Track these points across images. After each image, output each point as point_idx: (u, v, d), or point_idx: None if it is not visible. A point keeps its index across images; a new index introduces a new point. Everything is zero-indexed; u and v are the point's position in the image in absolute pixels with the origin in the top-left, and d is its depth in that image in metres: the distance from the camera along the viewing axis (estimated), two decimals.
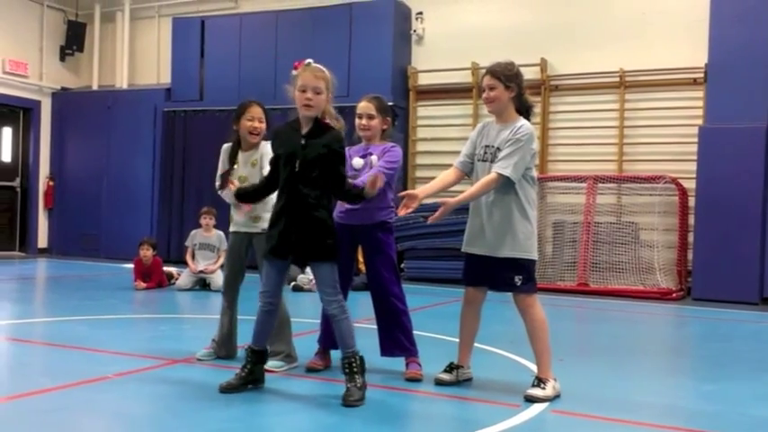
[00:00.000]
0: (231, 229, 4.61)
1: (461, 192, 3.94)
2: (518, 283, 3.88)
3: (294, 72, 3.80)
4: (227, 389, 3.80)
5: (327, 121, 3.82)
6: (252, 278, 4.48)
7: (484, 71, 4.05)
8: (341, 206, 4.32)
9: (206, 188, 10.47)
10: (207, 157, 10.98)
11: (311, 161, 3.70)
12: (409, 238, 9.62)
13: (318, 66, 3.81)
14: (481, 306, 4.12)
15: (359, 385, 3.70)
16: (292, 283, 8.18)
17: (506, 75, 3.92)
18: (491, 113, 4.07)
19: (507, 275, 3.89)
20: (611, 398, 4.00)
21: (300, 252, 3.76)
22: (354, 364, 3.73)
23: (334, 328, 3.85)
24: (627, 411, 3.71)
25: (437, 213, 3.81)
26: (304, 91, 3.72)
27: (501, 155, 3.86)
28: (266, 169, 4.12)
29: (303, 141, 3.74)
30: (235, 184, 4.28)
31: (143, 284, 8.20)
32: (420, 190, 3.93)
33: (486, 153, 3.97)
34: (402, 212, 3.86)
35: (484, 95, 4.01)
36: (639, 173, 9.50)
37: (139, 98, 12.32)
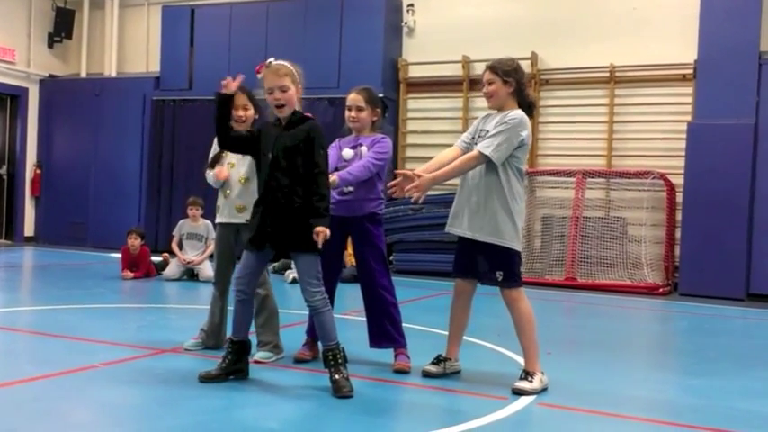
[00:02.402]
0: (218, 220, 4.60)
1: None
2: (498, 279, 3.90)
3: (259, 76, 3.79)
4: (205, 379, 3.80)
5: (306, 113, 3.83)
6: None
7: (485, 67, 4.06)
8: (331, 197, 4.31)
9: (194, 177, 10.44)
10: (195, 146, 10.99)
11: (286, 150, 3.71)
12: (398, 230, 9.62)
13: (280, 63, 3.79)
14: (471, 298, 4.13)
15: (346, 376, 3.71)
16: (291, 276, 8.12)
17: (504, 70, 3.94)
18: (492, 109, 4.07)
19: (488, 268, 3.91)
20: (597, 391, 4.02)
21: (277, 242, 3.76)
22: (339, 356, 3.74)
23: (315, 320, 3.86)
24: (614, 405, 3.74)
25: (412, 186, 3.80)
26: (272, 93, 3.74)
27: (487, 136, 3.88)
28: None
29: (279, 134, 3.76)
30: (224, 171, 4.30)
31: (130, 274, 8.17)
32: (418, 171, 3.89)
33: (478, 136, 3.99)
34: (398, 193, 3.86)
35: (483, 90, 4.04)
36: (628, 168, 9.52)
37: (128, 86, 12.24)
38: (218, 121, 3.82)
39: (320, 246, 3.67)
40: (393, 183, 3.90)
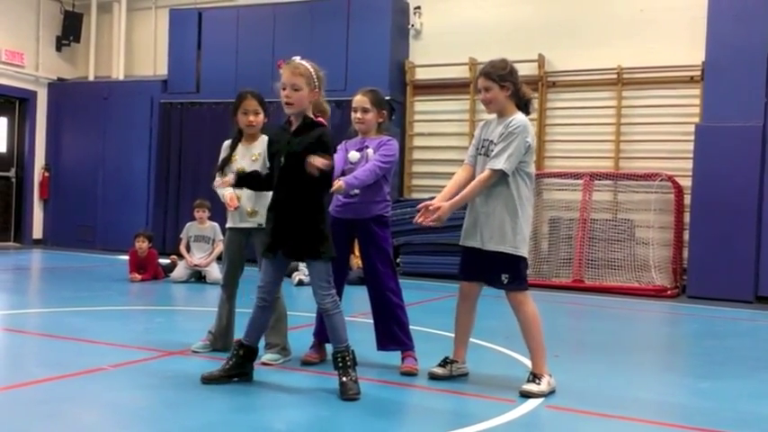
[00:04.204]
0: (228, 224, 4.60)
1: None
2: (504, 281, 3.90)
3: (280, 71, 3.79)
4: (208, 379, 3.80)
5: (319, 117, 3.81)
6: (251, 272, 4.47)
7: (478, 72, 4.05)
8: (337, 200, 4.33)
9: (202, 180, 10.47)
10: (203, 149, 11.04)
11: (294, 156, 3.70)
12: (405, 232, 9.60)
13: (301, 62, 3.77)
14: (476, 301, 4.12)
15: (354, 379, 3.70)
16: (297, 278, 8.15)
17: (500, 75, 3.93)
18: (491, 113, 4.07)
19: (495, 272, 3.91)
20: (605, 394, 4.01)
21: (290, 249, 3.77)
22: (348, 358, 3.74)
23: (326, 322, 3.86)
24: (622, 408, 3.73)
25: (434, 216, 3.82)
26: (284, 89, 3.74)
27: (495, 150, 3.88)
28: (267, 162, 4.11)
29: (289, 138, 3.76)
30: (230, 180, 4.30)
31: (138, 276, 8.19)
32: (437, 200, 3.91)
33: (481, 146, 4.00)
34: (424, 221, 3.87)
35: (480, 97, 4.03)
36: (636, 170, 9.50)
37: (136, 89, 12.27)
38: (257, 183, 4.01)
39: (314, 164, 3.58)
40: (419, 216, 3.89)
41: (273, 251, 3.80)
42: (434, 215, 3.82)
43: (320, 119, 3.81)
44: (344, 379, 3.69)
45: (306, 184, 3.70)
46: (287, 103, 3.74)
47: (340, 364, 3.73)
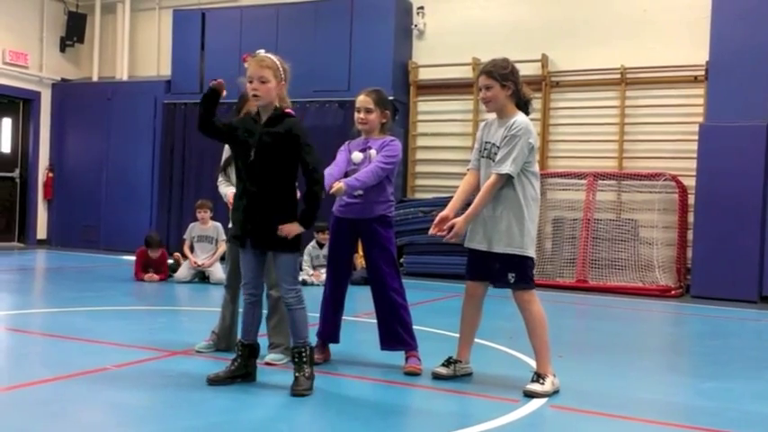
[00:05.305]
0: (230, 225, 4.60)
1: None
2: (511, 281, 3.90)
3: (245, 65, 3.79)
4: (214, 381, 3.81)
5: (287, 109, 3.82)
6: None
7: (479, 71, 4.05)
8: (340, 200, 4.33)
9: (205, 181, 10.48)
10: (206, 149, 11.01)
11: (267, 148, 3.71)
12: (409, 232, 9.61)
13: (267, 55, 3.79)
14: (482, 301, 4.12)
15: (307, 375, 3.74)
16: (301, 278, 8.16)
17: (501, 73, 3.93)
18: (490, 112, 4.07)
19: (502, 272, 3.91)
20: (609, 394, 4.00)
21: (258, 240, 3.78)
22: (305, 355, 3.77)
23: (288, 317, 3.88)
24: (626, 408, 3.72)
25: (452, 234, 3.85)
26: (251, 81, 3.75)
27: (499, 155, 3.88)
28: None
29: (260, 130, 3.74)
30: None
31: (156, 277, 8.20)
32: (448, 210, 3.93)
33: (484, 149, 3.99)
34: (440, 234, 3.89)
35: (481, 95, 4.02)
36: (639, 170, 9.49)
37: (139, 90, 12.30)
38: (207, 109, 3.76)
39: (284, 233, 3.69)
40: (433, 228, 3.93)
41: (242, 240, 3.81)
42: (452, 233, 3.84)
43: (289, 110, 3.82)
44: (297, 374, 3.73)
45: (277, 177, 3.72)
46: (254, 96, 3.76)
47: (296, 360, 3.77)
